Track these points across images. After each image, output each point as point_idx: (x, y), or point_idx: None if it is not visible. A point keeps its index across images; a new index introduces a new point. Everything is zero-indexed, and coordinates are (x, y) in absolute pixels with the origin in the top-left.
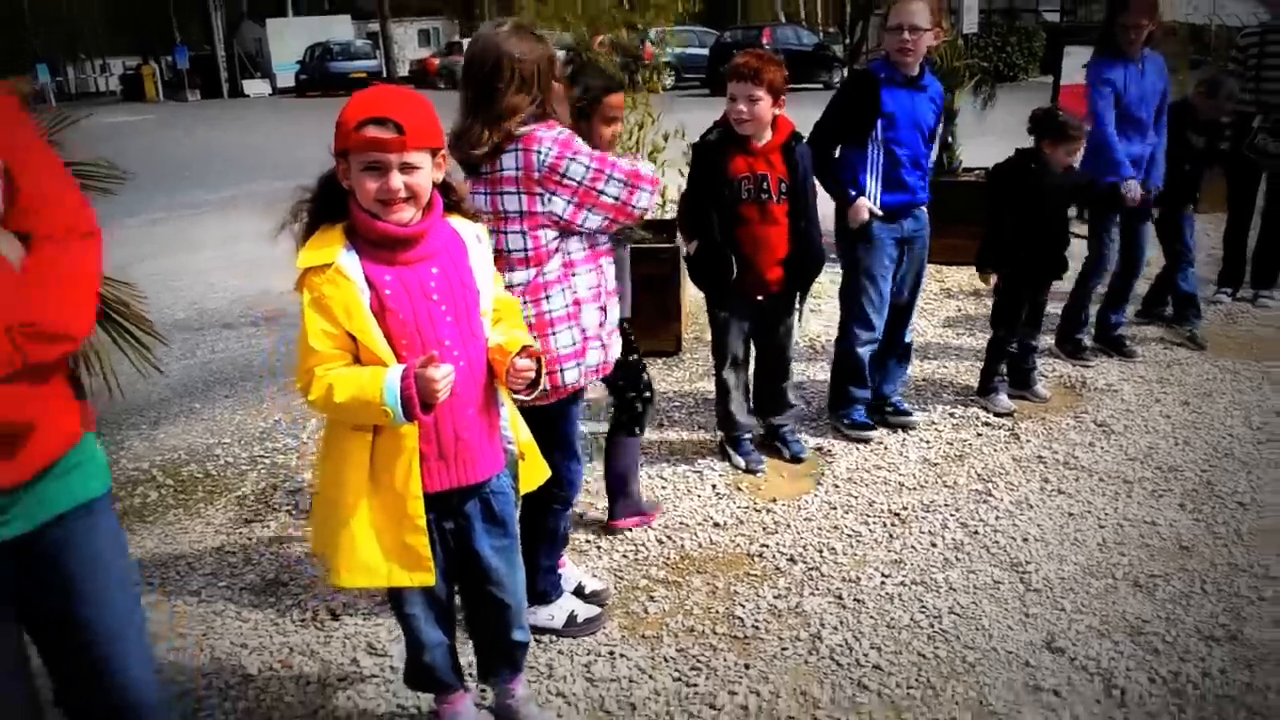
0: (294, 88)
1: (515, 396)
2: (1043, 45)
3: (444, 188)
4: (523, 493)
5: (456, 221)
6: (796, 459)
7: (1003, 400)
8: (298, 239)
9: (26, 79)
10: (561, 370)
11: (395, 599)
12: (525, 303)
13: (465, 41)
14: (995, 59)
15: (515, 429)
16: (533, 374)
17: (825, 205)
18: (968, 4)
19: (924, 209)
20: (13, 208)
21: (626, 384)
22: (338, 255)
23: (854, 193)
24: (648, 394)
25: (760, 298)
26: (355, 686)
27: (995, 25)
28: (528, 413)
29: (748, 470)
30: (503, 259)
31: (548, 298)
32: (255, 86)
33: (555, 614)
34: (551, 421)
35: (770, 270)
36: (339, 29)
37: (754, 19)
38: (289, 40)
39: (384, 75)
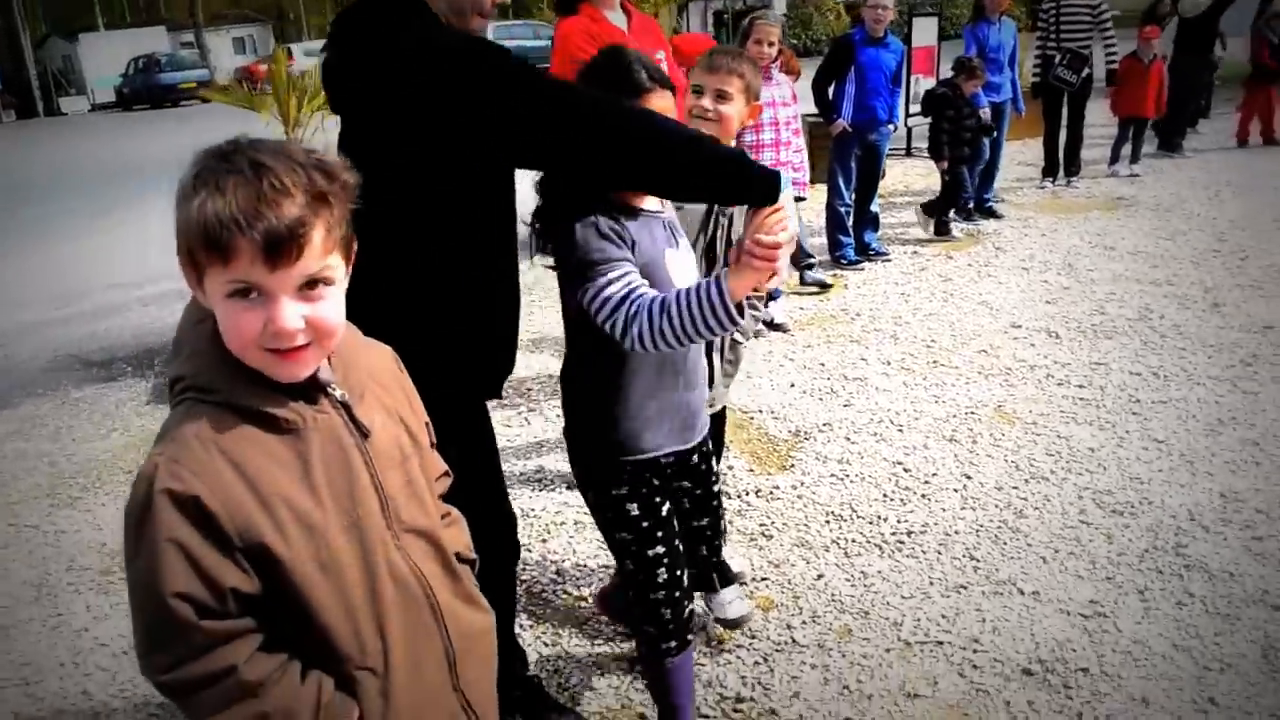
0: (116, 102)
1: None
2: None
3: None
4: None
5: None
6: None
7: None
8: None
9: None
10: None
11: None
12: None
13: (288, 47)
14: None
15: None
16: None
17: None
18: None
19: (886, 126)
20: None
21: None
22: None
23: (835, 115)
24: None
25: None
26: None
27: None
28: None
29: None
30: None
31: None
32: (73, 104)
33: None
34: None
35: None
36: (154, 41)
37: None
38: (105, 54)
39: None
